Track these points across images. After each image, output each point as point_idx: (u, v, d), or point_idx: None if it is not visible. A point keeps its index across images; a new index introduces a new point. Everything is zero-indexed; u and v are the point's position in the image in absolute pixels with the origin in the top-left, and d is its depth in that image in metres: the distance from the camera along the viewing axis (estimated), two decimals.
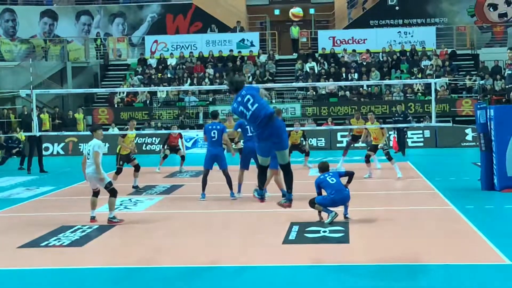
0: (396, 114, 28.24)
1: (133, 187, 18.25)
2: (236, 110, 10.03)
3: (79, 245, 11.64)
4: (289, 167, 10.51)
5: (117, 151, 18.69)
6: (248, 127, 16.22)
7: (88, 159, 13.50)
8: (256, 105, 9.87)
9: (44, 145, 28.41)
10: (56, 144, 30.97)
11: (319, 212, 13.08)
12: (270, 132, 10.00)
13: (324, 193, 13.17)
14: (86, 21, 41.54)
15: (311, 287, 8.98)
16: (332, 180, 13.07)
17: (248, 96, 9.89)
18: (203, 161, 16.55)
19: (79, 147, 30.09)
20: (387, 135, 20.62)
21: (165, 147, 23.37)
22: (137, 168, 18.51)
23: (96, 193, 13.61)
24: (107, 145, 30.59)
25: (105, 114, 33.99)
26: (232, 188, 16.34)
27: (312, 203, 13.06)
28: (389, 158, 19.59)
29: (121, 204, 15.82)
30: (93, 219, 13.42)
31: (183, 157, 23.01)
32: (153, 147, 30.91)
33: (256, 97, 9.93)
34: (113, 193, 13.44)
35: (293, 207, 13.39)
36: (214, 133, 16.33)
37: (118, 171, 18.59)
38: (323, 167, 13.56)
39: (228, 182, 16.30)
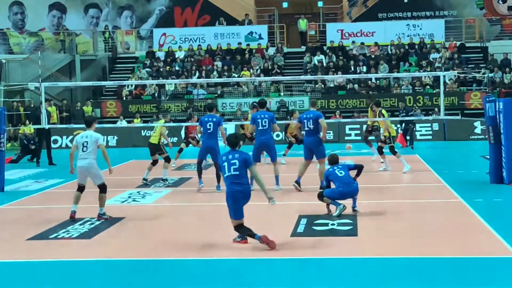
0: (400, 111, 28.09)
1: (144, 179, 18.22)
2: (221, 161, 10.79)
3: (88, 238, 11.67)
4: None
5: (157, 142, 18.41)
6: (260, 120, 16.25)
7: (83, 151, 13.06)
8: (237, 172, 10.61)
9: (52, 137, 28.49)
10: (64, 137, 31.03)
11: (327, 205, 13.08)
12: (243, 196, 10.72)
13: (333, 186, 13.18)
14: (94, 14, 41.59)
15: (319, 280, 8.98)
16: (341, 173, 13.07)
17: (236, 161, 10.64)
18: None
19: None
20: (393, 127, 20.41)
21: (185, 140, 22.67)
22: (155, 162, 18.45)
23: (81, 188, 13.30)
24: (115, 137, 30.76)
25: (113, 107, 34.03)
26: (219, 181, 16.36)
27: (320, 196, 13.07)
28: (393, 152, 19.46)
29: (129, 197, 15.87)
30: (73, 213, 13.07)
31: (180, 151, 22.65)
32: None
33: (242, 168, 10.64)
34: (103, 189, 13.15)
35: (302, 199, 13.44)
36: (210, 125, 16.40)
37: (168, 159, 18.52)
38: (333, 160, 13.56)
39: (217, 174, 16.37)
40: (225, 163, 10.64)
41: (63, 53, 38.81)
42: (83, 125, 24.53)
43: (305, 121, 16.15)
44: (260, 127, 16.30)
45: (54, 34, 40.66)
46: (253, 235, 10.55)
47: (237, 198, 10.66)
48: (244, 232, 10.68)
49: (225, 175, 10.67)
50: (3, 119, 17.78)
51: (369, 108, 21.75)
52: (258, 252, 10.39)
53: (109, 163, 13.27)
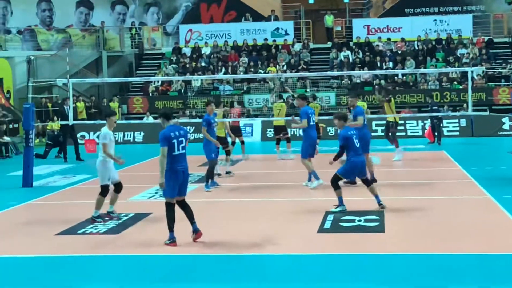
0: (429, 106, 27.93)
1: (227, 172, 18.60)
2: (168, 134, 10.59)
3: (116, 233, 11.76)
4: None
5: (224, 134, 18.70)
6: (311, 115, 16.03)
7: (99, 148, 12.97)
8: (184, 151, 10.75)
9: (80, 133, 28.69)
10: (92, 133, 31.20)
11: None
12: (187, 173, 10.85)
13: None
14: (121, 11, 41.77)
15: (347, 276, 8.97)
16: (357, 144, 13.15)
17: (183, 139, 10.73)
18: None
19: (115, 135, 30.15)
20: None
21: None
22: (228, 153, 18.80)
23: (117, 188, 12.91)
24: (142, 133, 30.89)
25: (140, 103, 34.17)
26: (208, 180, 16.30)
27: (335, 182, 12.92)
28: None
29: (156, 193, 15.89)
30: (109, 214, 12.92)
31: (243, 142, 22.58)
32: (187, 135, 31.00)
33: (185, 144, 10.76)
34: (102, 191, 12.67)
35: (329, 195, 13.40)
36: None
37: (229, 153, 18.88)
38: (343, 116, 13.53)
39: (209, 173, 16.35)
40: (174, 141, 10.58)
41: (102, 49, 38.90)
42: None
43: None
44: (312, 122, 16.09)
45: (82, 30, 40.92)
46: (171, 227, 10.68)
47: (186, 176, 10.84)
48: (171, 217, 10.71)
49: (173, 153, 10.54)
50: (31, 115, 17.92)
51: (384, 104, 21.21)
52: (285, 248, 10.41)
53: (113, 158, 12.76)
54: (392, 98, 21.10)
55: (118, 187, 12.92)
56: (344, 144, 13.05)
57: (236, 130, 21.81)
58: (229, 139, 19.89)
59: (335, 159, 13.29)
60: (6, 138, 26.78)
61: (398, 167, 19.83)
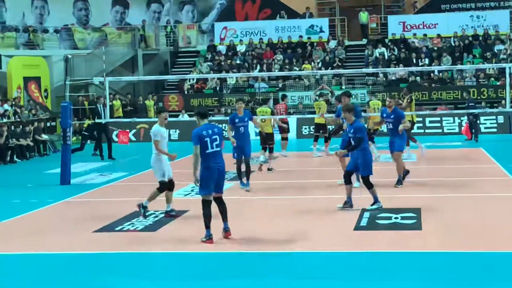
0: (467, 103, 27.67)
1: (269, 169, 18.73)
2: (200, 132, 10.62)
3: (152, 230, 11.83)
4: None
5: (271, 131, 18.82)
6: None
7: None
8: (219, 149, 10.74)
9: (116, 131, 28.83)
10: (127, 130, 31.37)
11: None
12: (224, 170, 10.89)
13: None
14: (156, 9, 41.98)
15: (384, 273, 8.93)
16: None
17: (217, 136, 10.70)
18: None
19: (150, 133, 30.31)
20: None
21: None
22: (271, 150, 18.96)
23: (169, 186, 12.96)
24: (177, 131, 31.00)
25: (175, 101, 34.31)
26: (241, 178, 16.23)
27: (367, 183, 12.86)
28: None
29: (192, 190, 15.96)
30: (168, 213, 12.97)
31: (286, 138, 22.62)
32: (223, 133, 31.02)
33: (220, 142, 10.78)
34: (159, 187, 12.73)
35: (364, 193, 13.34)
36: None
37: (272, 150, 19.07)
38: (354, 109, 13.58)
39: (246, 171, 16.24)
40: (207, 139, 10.62)
41: (137, 48, 39.12)
42: (145, 119, 24.69)
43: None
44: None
45: (117, 29, 41.21)
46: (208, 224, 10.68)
47: (222, 173, 10.85)
48: (207, 214, 10.69)
49: (207, 151, 10.58)
50: (69, 114, 18.09)
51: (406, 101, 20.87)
52: (322, 246, 10.39)
53: (166, 154, 12.99)
54: (413, 98, 20.92)
55: (170, 185, 12.99)
56: (363, 136, 12.98)
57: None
58: (276, 137, 19.91)
59: (350, 150, 13.21)
60: (44, 136, 27.11)
61: (434, 164, 19.65)
